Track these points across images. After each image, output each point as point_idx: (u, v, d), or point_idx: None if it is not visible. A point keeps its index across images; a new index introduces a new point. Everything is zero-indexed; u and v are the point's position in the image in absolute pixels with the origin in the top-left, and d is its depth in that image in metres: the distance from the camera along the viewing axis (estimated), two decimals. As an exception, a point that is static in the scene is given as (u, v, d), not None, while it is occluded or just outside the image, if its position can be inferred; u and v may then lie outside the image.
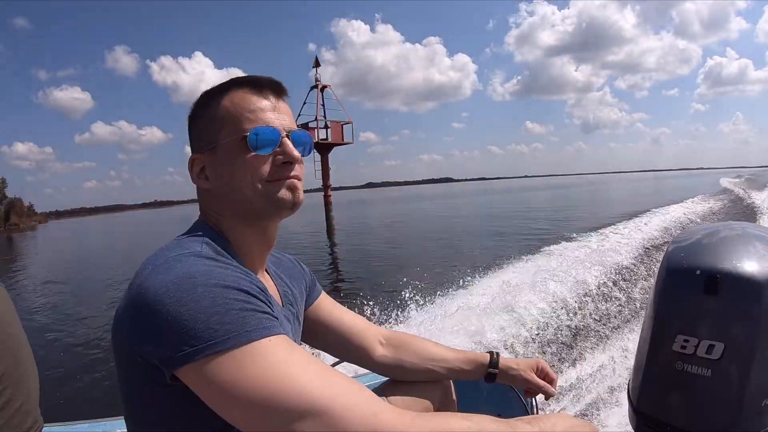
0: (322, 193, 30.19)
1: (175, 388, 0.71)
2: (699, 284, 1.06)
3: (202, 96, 0.92)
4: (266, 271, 1.00)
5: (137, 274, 0.75)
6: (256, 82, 0.91)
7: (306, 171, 0.94)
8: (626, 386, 1.27)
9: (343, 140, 29.34)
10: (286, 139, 0.89)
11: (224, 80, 0.93)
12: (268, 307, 0.75)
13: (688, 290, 1.08)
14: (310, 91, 29.01)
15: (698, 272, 1.07)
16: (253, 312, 0.71)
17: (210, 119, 0.90)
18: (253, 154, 0.86)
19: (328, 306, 1.19)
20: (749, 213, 14.42)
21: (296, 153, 0.89)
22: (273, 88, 0.91)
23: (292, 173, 0.89)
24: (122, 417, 0.83)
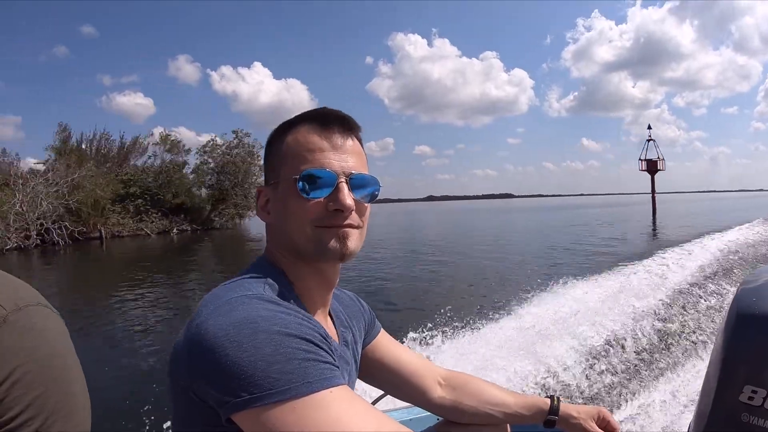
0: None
1: (230, 431, 0.70)
2: None
3: (276, 128, 0.92)
4: (328, 311, 0.99)
5: (198, 312, 0.74)
6: (324, 118, 0.88)
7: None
8: (687, 430, 1.22)
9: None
10: (342, 183, 0.85)
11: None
12: (330, 356, 0.73)
13: (760, 338, 1.03)
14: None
15: None
16: (315, 362, 0.69)
17: (276, 154, 0.90)
18: (304, 197, 0.84)
19: (386, 344, 1.17)
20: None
21: (348, 201, 0.84)
22: (341, 124, 0.88)
23: (345, 222, 0.85)
24: None
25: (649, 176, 34.82)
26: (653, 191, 35.99)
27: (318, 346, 0.71)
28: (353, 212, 0.86)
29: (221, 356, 0.67)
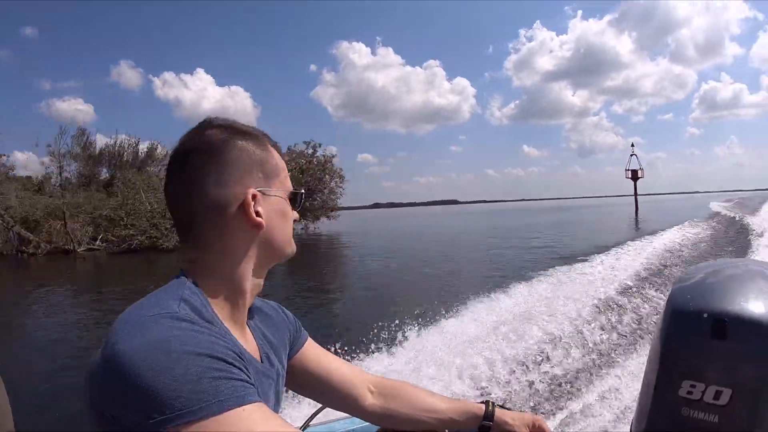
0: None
1: None
2: (706, 328, 1.03)
3: (256, 132, 0.93)
4: (247, 323, 0.97)
5: (112, 332, 0.73)
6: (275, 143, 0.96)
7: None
8: (629, 429, 1.23)
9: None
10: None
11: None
12: (245, 373, 0.73)
13: (695, 335, 1.05)
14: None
15: (705, 316, 1.04)
16: (227, 380, 0.69)
17: (262, 163, 0.91)
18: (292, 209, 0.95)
19: (314, 353, 1.15)
20: (742, 238, 14.46)
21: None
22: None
23: None
24: None
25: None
26: (635, 194, 46.95)
27: (230, 364, 0.71)
28: None
29: (134, 378, 0.66)
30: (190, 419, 0.64)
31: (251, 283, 0.91)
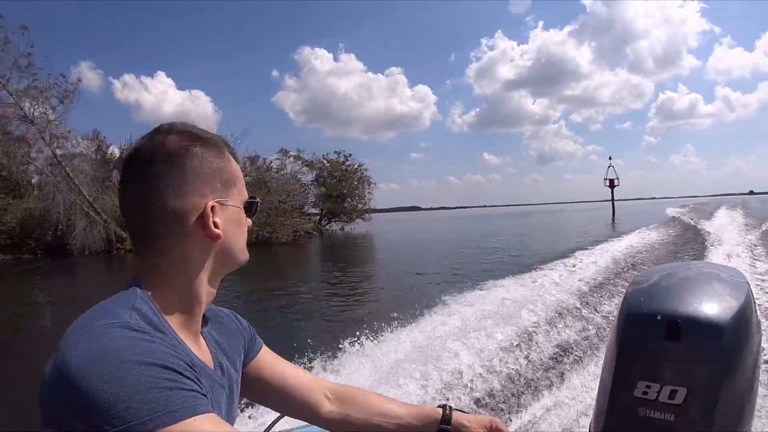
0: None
1: None
2: (660, 330, 1.05)
3: (215, 140, 0.91)
4: (200, 331, 0.95)
5: (64, 342, 0.71)
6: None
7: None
8: (587, 430, 1.25)
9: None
10: None
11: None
12: (196, 383, 0.71)
13: (649, 336, 1.08)
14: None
15: (659, 318, 1.06)
16: (178, 390, 0.67)
17: (221, 172, 0.89)
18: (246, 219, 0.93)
19: (269, 361, 1.13)
20: (698, 242, 14.96)
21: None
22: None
23: None
24: None
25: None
26: (612, 200, 56.31)
27: (181, 374, 0.70)
28: None
29: (85, 389, 0.64)
30: (141, 429, 0.63)
31: (206, 291, 0.90)
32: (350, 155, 46.39)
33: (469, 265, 15.06)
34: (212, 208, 0.86)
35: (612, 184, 56.24)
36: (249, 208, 0.93)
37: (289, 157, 42.32)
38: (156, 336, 0.74)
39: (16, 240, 25.85)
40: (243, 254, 0.93)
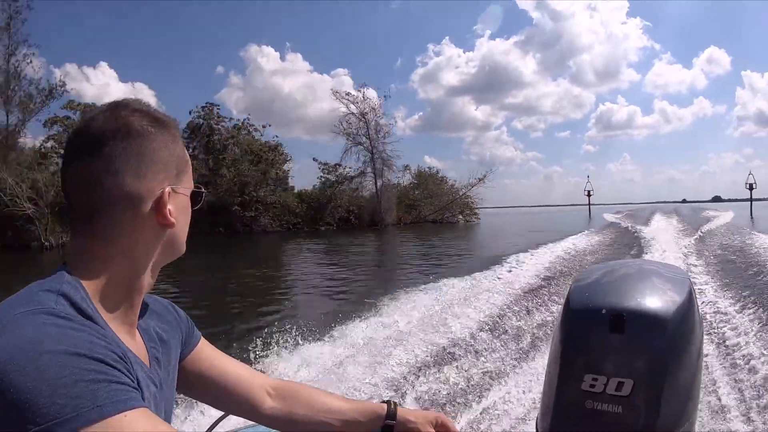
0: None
1: None
2: (605, 323, 1.07)
3: (164, 121, 0.85)
4: (137, 324, 0.89)
5: None
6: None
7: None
8: (534, 424, 1.26)
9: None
10: None
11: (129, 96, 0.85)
12: (127, 376, 0.66)
13: (594, 329, 1.10)
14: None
15: (603, 311, 1.08)
16: (106, 383, 0.62)
17: (178, 158, 0.86)
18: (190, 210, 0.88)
19: (208, 354, 1.08)
20: (637, 245, 15.61)
21: None
22: None
23: None
24: None
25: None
26: (589, 206, 71.14)
27: (111, 366, 0.64)
28: None
29: (4, 383, 0.59)
30: (66, 428, 0.58)
31: (147, 282, 0.85)
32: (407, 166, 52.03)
33: (418, 264, 15.24)
34: (168, 194, 0.82)
35: (589, 194, 74.33)
36: (195, 198, 0.90)
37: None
38: (84, 324, 0.69)
39: None
40: (184, 245, 0.90)
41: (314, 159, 48.48)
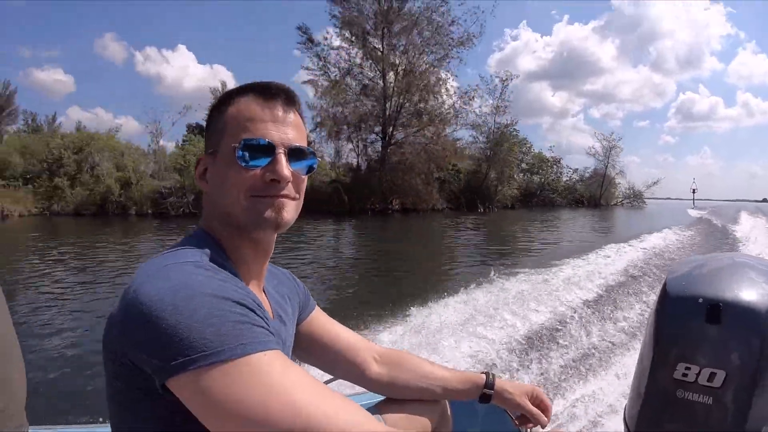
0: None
1: (166, 399, 0.68)
2: (701, 313, 1.07)
3: (219, 97, 0.91)
4: (263, 286, 0.98)
5: (134, 279, 0.73)
6: (266, 90, 0.88)
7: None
8: (622, 412, 1.27)
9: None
10: (281, 154, 0.85)
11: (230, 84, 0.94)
12: (264, 321, 0.73)
13: (690, 318, 1.09)
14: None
15: (701, 300, 1.08)
16: (249, 325, 0.69)
17: (217, 122, 0.89)
18: (242, 166, 0.84)
19: (321, 321, 1.16)
20: (729, 242, 14.60)
21: (286, 172, 0.85)
22: (284, 96, 0.89)
23: (281, 192, 0.86)
24: (108, 424, 0.80)
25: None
26: (693, 200, 72.11)
27: (252, 310, 0.71)
28: (290, 183, 0.87)
29: (156, 321, 0.66)
30: (213, 361, 0.64)
31: (271, 245, 0.93)
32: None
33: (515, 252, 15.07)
34: (198, 161, 0.94)
35: (694, 192, 75.71)
36: (242, 152, 0.88)
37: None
38: (227, 276, 0.75)
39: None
40: (233, 203, 0.89)
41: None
